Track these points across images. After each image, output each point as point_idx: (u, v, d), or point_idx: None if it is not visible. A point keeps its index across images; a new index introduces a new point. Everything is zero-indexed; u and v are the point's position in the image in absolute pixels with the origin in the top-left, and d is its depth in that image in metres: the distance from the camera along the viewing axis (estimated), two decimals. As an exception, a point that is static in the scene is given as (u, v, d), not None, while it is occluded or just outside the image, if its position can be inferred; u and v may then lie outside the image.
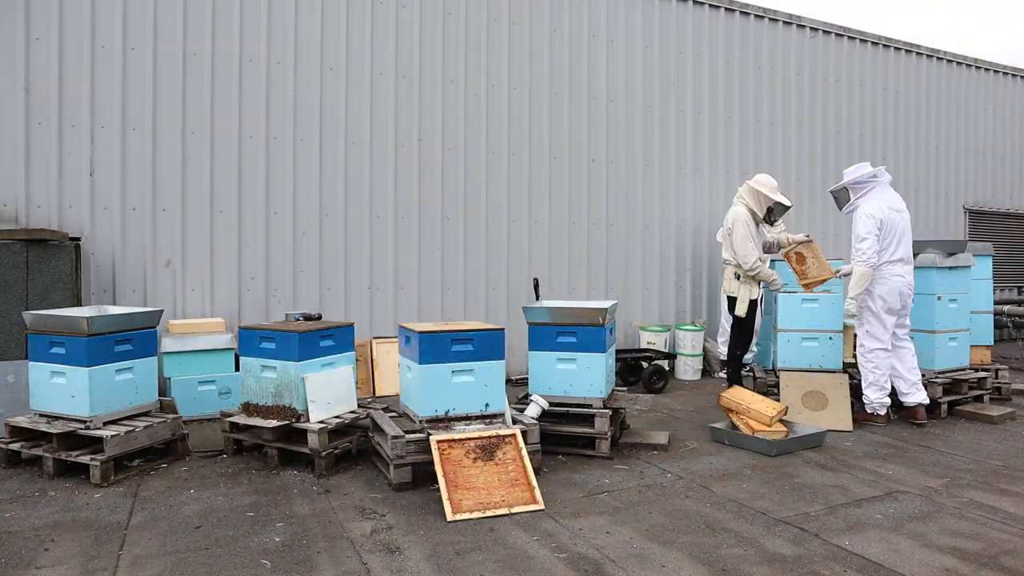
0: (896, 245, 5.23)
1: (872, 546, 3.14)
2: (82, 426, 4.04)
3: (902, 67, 9.91)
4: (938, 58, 10.27)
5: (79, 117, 5.67)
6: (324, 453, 4.08)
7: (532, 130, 7.33)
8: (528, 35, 7.32)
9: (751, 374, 6.03)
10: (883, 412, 5.33)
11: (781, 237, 5.81)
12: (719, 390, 6.68)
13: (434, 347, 4.02)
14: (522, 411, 4.40)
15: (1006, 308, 9.04)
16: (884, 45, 9.72)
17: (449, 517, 3.40)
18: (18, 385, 4.69)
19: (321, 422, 4.21)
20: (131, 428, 4.12)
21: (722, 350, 6.75)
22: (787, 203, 5.82)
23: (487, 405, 4.13)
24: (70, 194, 5.65)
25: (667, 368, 6.89)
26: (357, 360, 5.07)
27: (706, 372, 7.59)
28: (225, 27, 6.10)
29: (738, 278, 5.73)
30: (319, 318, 4.89)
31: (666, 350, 7.29)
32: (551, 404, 4.50)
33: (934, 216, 10.21)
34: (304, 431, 4.18)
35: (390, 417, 4.34)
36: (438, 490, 3.59)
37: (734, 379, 5.89)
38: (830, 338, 5.72)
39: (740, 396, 4.97)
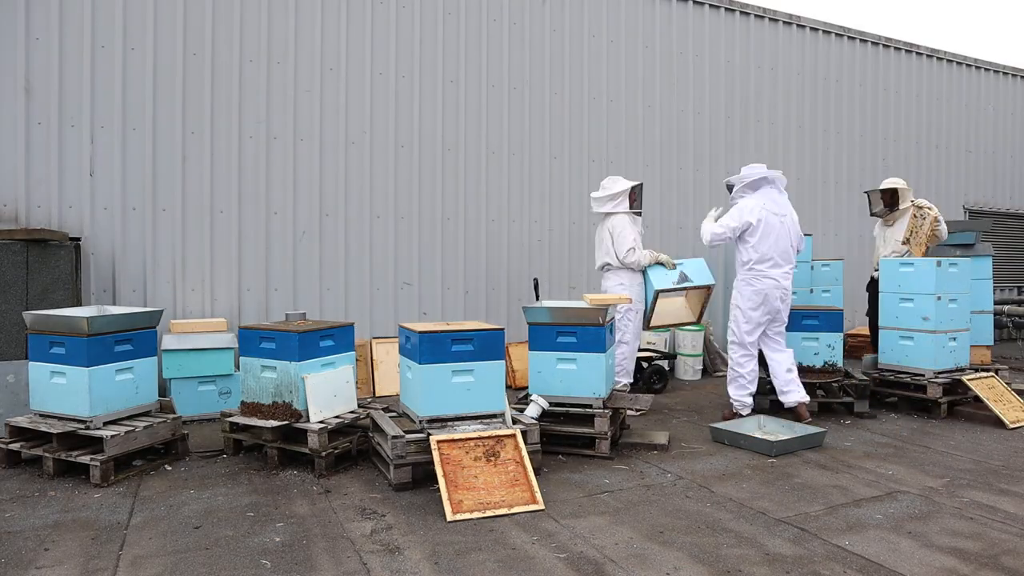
0: (771, 247, 5.20)
1: (872, 546, 3.14)
2: (82, 426, 4.04)
3: (902, 67, 9.91)
4: (938, 58, 10.27)
5: (79, 117, 5.66)
6: (324, 453, 4.08)
7: (532, 130, 7.33)
8: (528, 35, 7.32)
9: None
10: (745, 412, 5.31)
11: None
12: (719, 390, 6.69)
13: (434, 347, 4.02)
14: (522, 411, 4.40)
15: (1006, 308, 9.05)
16: (884, 45, 9.72)
17: (449, 517, 3.40)
18: (18, 385, 4.69)
19: (321, 422, 4.21)
20: (131, 428, 4.12)
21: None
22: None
23: (487, 405, 4.13)
24: (70, 194, 5.64)
25: (667, 368, 6.89)
26: (357, 360, 5.07)
27: (706, 372, 7.59)
28: (225, 27, 6.10)
29: None
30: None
31: (665, 350, 7.29)
32: (551, 404, 4.50)
33: (934, 216, 10.20)
34: (304, 431, 4.17)
35: (390, 417, 4.34)
36: (438, 490, 3.59)
37: None
38: (829, 346, 5.74)
39: None
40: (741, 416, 5.29)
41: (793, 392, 5.27)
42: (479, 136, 7.09)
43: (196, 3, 6.00)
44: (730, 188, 5.55)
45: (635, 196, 5.82)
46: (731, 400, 5.38)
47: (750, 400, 5.34)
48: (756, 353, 5.33)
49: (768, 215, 5.23)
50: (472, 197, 7.06)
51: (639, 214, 5.89)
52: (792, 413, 5.29)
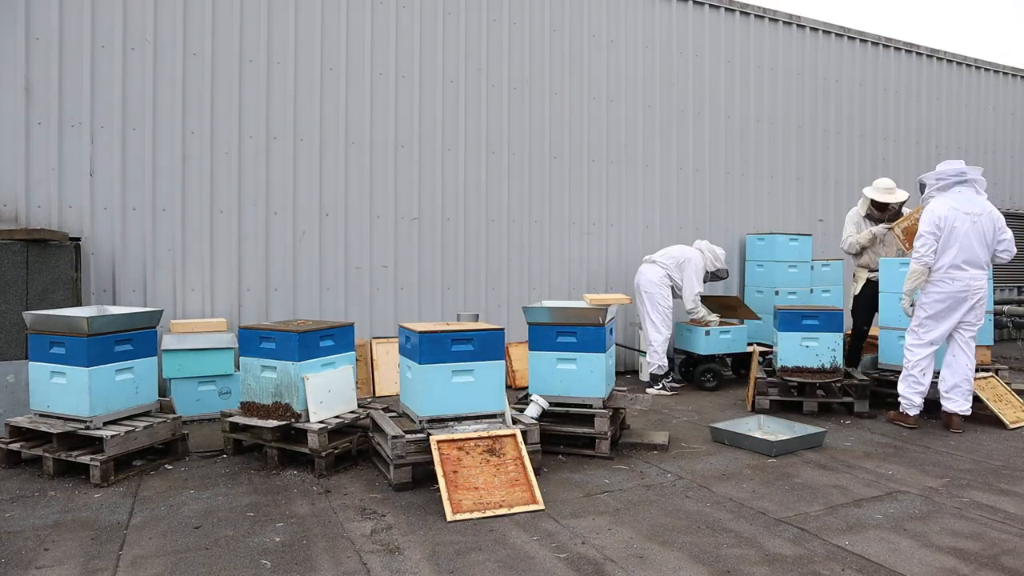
0: (958, 249, 5.02)
1: (872, 546, 3.14)
2: (82, 426, 4.04)
3: (902, 67, 9.91)
4: (938, 58, 10.27)
5: (79, 117, 5.66)
6: (324, 453, 4.08)
7: (532, 130, 7.33)
8: (528, 35, 7.32)
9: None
10: (912, 413, 5.22)
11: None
12: (718, 390, 6.69)
13: (434, 347, 4.02)
14: (522, 411, 4.40)
15: (1006, 308, 9.05)
16: (884, 45, 9.72)
17: (449, 517, 3.40)
18: (18, 385, 4.69)
19: (321, 422, 4.21)
20: (131, 428, 4.12)
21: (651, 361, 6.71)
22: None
23: (487, 405, 4.13)
24: (70, 194, 5.64)
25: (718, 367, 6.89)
26: (357, 360, 5.07)
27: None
28: (225, 27, 6.10)
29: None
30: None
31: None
32: (551, 404, 4.50)
33: (934, 216, 10.20)
34: (304, 431, 4.18)
35: (390, 417, 4.34)
36: (438, 490, 3.59)
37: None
38: (831, 347, 5.72)
39: None
40: (908, 416, 5.22)
41: (954, 402, 5.15)
42: (479, 136, 7.09)
43: (196, 3, 6.00)
44: (922, 188, 5.41)
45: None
46: (900, 398, 5.28)
47: (920, 400, 5.23)
48: (932, 353, 5.18)
49: (958, 215, 5.04)
50: (472, 197, 7.05)
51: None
52: (945, 417, 5.25)
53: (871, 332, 6.66)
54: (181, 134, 5.97)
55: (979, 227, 5.05)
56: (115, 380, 4.17)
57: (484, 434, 3.86)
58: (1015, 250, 5.20)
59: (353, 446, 4.41)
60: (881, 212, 6.52)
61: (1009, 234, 5.17)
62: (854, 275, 6.78)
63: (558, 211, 7.45)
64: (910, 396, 5.24)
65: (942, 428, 5.24)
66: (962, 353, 5.17)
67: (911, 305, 5.25)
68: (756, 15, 8.64)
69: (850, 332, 6.64)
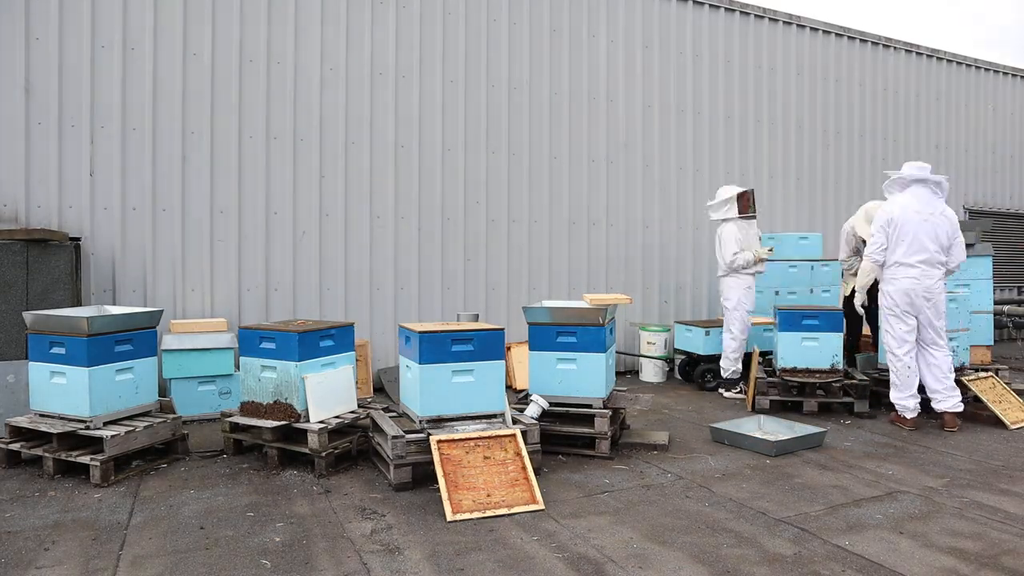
0: (907, 246, 5.16)
1: (872, 546, 3.14)
2: (82, 426, 4.04)
3: (902, 67, 9.92)
4: (938, 58, 10.28)
5: (79, 117, 5.66)
6: (324, 453, 4.08)
7: (532, 130, 7.33)
8: (528, 35, 7.32)
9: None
10: (910, 417, 5.22)
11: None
12: (715, 391, 6.69)
13: (434, 347, 4.02)
14: (522, 411, 4.40)
15: (1006, 308, 9.05)
16: (884, 45, 9.73)
17: (449, 517, 3.40)
18: (18, 385, 4.69)
19: (321, 422, 4.21)
20: (131, 428, 4.12)
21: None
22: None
23: (487, 405, 4.13)
24: (70, 194, 5.64)
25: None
26: (357, 360, 5.07)
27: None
28: (225, 27, 6.10)
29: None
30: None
31: (665, 352, 7.29)
32: (551, 404, 4.50)
33: (934, 216, 10.19)
34: (304, 431, 4.17)
35: (390, 417, 4.34)
36: (438, 490, 3.59)
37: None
38: (831, 349, 5.72)
39: None
40: (907, 418, 5.22)
41: (941, 401, 5.21)
42: (479, 136, 7.09)
43: (196, 3, 6.00)
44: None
45: (747, 202, 6.34)
46: (895, 404, 5.31)
47: (913, 403, 5.23)
48: (911, 352, 5.23)
49: (908, 213, 5.17)
50: (472, 197, 7.06)
51: (752, 218, 6.42)
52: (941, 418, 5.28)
53: (867, 332, 6.67)
54: (181, 134, 5.97)
55: (931, 225, 5.18)
56: (115, 380, 4.17)
57: (484, 434, 3.86)
58: (964, 258, 5.33)
59: (353, 446, 4.41)
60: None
61: (960, 240, 5.29)
62: (842, 275, 6.85)
63: (558, 211, 7.45)
64: (903, 401, 5.27)
65: (940, 428, 5.24)
66: (935, 351, 5.26)
67: (863, 305, 5.60)
68: (756, 15, 8.65)
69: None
